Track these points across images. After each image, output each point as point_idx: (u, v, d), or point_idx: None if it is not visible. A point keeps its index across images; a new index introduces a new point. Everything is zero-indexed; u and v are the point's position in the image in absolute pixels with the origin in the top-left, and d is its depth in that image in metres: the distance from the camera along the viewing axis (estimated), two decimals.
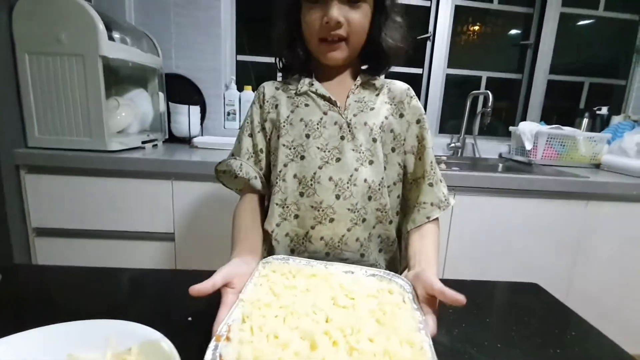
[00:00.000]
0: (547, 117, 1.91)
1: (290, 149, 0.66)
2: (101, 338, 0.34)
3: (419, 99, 1.88)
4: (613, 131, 1.72)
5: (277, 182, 0.66)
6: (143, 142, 1.37)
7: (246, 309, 0.40)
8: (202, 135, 1.64)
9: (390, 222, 0.69)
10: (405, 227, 0.70)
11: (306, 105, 0.68)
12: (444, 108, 1.90)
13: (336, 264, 0.54)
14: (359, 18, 0.61)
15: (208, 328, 0.45)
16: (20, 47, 1.13)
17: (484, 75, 1.91)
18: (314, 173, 0.65)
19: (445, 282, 0.53)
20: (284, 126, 0.67)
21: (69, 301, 0.54)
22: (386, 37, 0.65)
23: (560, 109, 1.97)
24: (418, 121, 0.70)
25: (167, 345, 0.34)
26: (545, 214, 1.29)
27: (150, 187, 1.20)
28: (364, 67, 0.73)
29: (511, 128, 1.74)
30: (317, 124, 0.66)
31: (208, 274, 0.57)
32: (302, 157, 0.66)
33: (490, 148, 1.84)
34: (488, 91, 1.58)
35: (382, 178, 0.67)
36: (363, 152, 0.65)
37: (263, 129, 0.70)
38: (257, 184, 0.69)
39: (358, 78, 0.70)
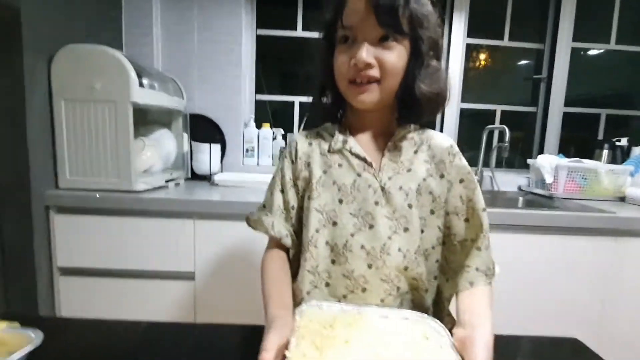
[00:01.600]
0: (564, 149, 1.89)
1: (322, 213, 0.64)
2: None
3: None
4: (635, 163, 1.68)
5: (308, 248, 0.64)
6: (166, 181, 1.40)
7: None
8: (222, 171, 1.68)
9: (426, 290, 0.65)
10: (446, 292, 0.66)
11: (339, 165, 0.65)
12: (460, 141, 1.91)
13: (370, 308, 0.54)
14: (391, 58, 0.58)
15: None
16: (57, 94, 1.20)
17: (498, 108, 1.92)
18: (346, 241, 0.62)
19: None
20: (316, 188, 0.65)
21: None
22: (420, 83, 0.60)
23: (578, 140, 1.96)
24: (462, 180, 0.65)
25: None
26: (571, 251, 1.25)
27: (172, 226, 1.22)
28: (402, 117, 0.68)
29: (530, 161, 1.73)
30: (351, 188, 0.63)
31: (223, 327, 0.58)
32: (334, 223, 0.63)
33: (508, 180, 1.82)
34: (504, 126, 1.59)
35: (418, 246, 0.63)
36: (397, 219, 0.62)
37: (295, 185, 0.68)
38: (288, 242, 0.67)
39: (397, 132, 0.66)
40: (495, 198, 1.71)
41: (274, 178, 0.71)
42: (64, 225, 1.22)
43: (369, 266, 0.62)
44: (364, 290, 0.62)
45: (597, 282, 1.27)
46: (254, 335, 0.51)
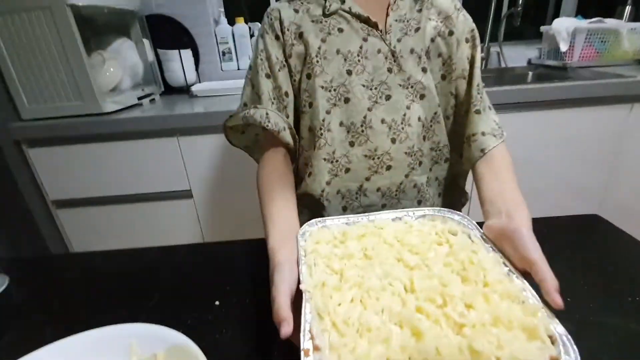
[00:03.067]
0: (583, 10, 1.65)
1: (330, 90, 0.55)
2: (124, 345, 0.31)
3: None
4: None
5: (321, 134, 0.56)
6: (139, 98, 1.27)
7: (317, 302, 0.33)
8: (199, 81, 1.52)
9: (446, 160, 0.62)
10: (464, 169, 0.62)
11: (340, 30, 0.55)
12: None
13: (379, 213, 0.48)
14: None
15: (238, 314, 0.42)
16: None
17: None
18: (364, 117, 0.56)
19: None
20: (317, 62, 0.55)
21: (88, 296, 0.52)
22: None
23: None
24: (467, 40, 0.58)
25: (194, 349, 0.30)
26: (584, 125, 1.17)
27: (156, 145, 1.14)
28: None
29: (543, 28, 1.52)
30: (358, 55, 0.55)
31: (232, 244, 0.54)
32: (347, 100, 0.56)
33: (517, 54, 1.64)
34: None
35: (435, 113, 0.58)
36: (413, 86, 0.56)
37: (286, 65, 0.57)
38: (287, 136, 0.57)
39: None
40: (502, 76, 1.57)
41: (253, 64, 0.58)
42: (41, 158, 1.15)
43: (393, 141, 0.57)
44: (388, 168, 0.58)
45: (610, 153, 1.22)
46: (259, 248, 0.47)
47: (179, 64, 1.39)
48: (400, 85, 0.56)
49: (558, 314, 0.31)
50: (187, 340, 0.31)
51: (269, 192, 0.53)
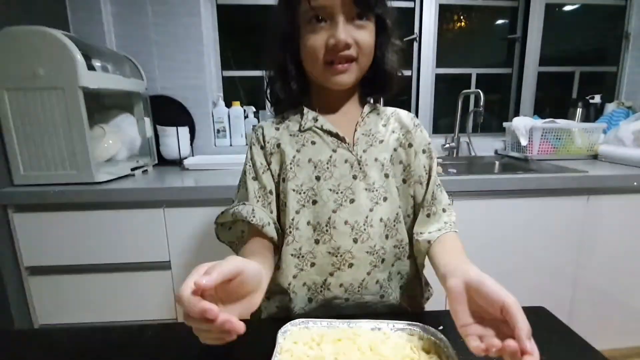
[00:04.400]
0: (540, 110, 1.89)
1: (300, 193, 0.62)
2: None
3: (410, 100, 1.87)
4: (608, 120, 1.70)
5: (290, 232, 0.62)
6: (132, 169, 1.34)
7: None
8: (192, 155, 1.61)
9: (409, 256, 0.66)
10: (419, 260, 0.65)
11: (313, 143, 0.64)
12: (436, 107, 1.88)
13: (361, 321, 0.51)
14: (366, 37, 0.57)
15: None
16: None
17: (474, 72, 1.89)
18: (329, 218, 0.61)
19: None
20: (290, 168, 0.62)
21: None
22: (389, 60, 0.62)
23: (553, 99, 1.96)
24: (424, 151, 0.67)
25: None
26: (547, 212, 1.27)
27: (141, 216, 1.17)
28: (368, 95, 0.69)
29: (505, 124, 1.72)
30: (327, 164, 0.62)
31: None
32: (315, 202, 0.62)
33: (485, 145, 1.82)
34: (479, 90, 1.56)
35: (397, 214, 0.64)
36: (377, 190, 0.62)
37: (268, 169, 0.65)
38: (272, 231, 0.61)
39: (365, 108, 0.67)
40: (472, 164, 1.72)
41: (244, 172, 0.67)
42: (25, 223, 1.16)
43: (355, 241, 0.61)
44: (350, 265, 0.62)
45: (573, 239, 1.30)
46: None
47: (175, 139, 1.49)
48: (365, 189, 0.62)
49: None
50: None
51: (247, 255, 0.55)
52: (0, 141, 1.14)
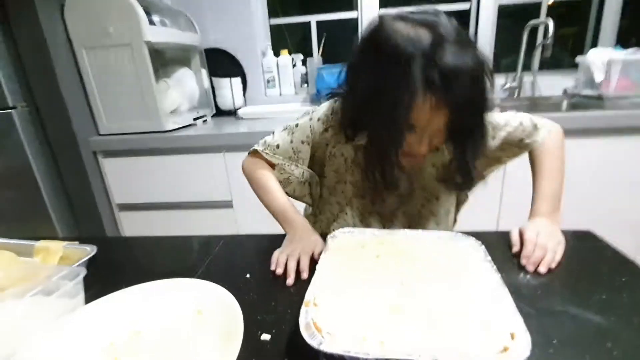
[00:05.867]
0: (624, 40, 1.64)
1: None
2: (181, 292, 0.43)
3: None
4: None
5: None
6: (194, 119, 1.46)
7: (325, 279, 0.44)
8: (245, 105, 1.70)
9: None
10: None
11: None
12: (497, 44, 1.71)
13: (402, 230, 0.57)
14: (442, 138, 0.55)
15: (263, 283, 0.52)
16: (77, 43, 1.23)
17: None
18: None
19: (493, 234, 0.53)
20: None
21: (152, 265, 0.65)
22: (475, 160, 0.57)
23: None
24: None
25: (230, 298, 0.40)
26: (618, 154, 1.16)
27: (205, 160, 1.30)
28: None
29: (578, 58, 1.53)
30: None
31: (262, 237, 0.64)
32: None
33: (553, 84, 1.65)
34: (549, 19, 1.39)
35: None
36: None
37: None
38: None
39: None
40: (535, 105, 1.58)
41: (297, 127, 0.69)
42: (112, 167, 1.36)
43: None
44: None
45: None
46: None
47: (229, 90, 1.57)
48: None
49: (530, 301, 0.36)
50: (226, 292, 0.41)
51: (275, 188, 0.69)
52: (84, 96, 1.31)
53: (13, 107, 1.21)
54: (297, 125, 0.68)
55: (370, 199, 0.69)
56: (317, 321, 0.36)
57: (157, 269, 0.62)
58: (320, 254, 0.52)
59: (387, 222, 0.72)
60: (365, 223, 0.72)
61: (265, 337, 0.41)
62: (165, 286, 0.45)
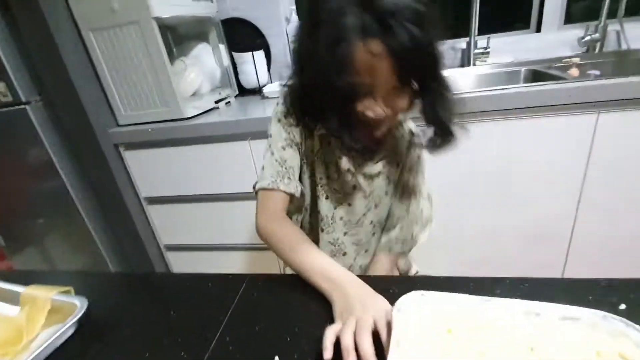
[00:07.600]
0: None
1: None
2: None
3: None
4: None
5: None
6: (216, 102, 1.32)
7: None
8: (271, 81, 1.53)
9: None
10: None
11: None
12: None
13: (507, 300, 0.36)
14: (403, 105, 0.51)
15: None
16: (83, 26, 1.11)
17: None
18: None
19: None
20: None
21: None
22: (441, 116, 0.52)
23: None
24: None
25: None
26: None
27: (229, 149, 1.17)
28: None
29: None
30: None
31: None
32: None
33: None
34: None
35: None
36: None
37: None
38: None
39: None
40: (623, 61, 1.27)
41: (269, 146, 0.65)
42: (135, 159, 1.27)
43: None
44: None
45: None
46: None
47: (252, 66, 1.41)
48: None
49: None
50: None
51: (299, 239, 0.57)
52: (99, 85, 1.21)
53: (27, 103, 1.14)
54: (270, 135, 0.64)
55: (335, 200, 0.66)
56: None
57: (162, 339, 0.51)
58: (385, 327, 0.36)
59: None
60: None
61: None
62: None
